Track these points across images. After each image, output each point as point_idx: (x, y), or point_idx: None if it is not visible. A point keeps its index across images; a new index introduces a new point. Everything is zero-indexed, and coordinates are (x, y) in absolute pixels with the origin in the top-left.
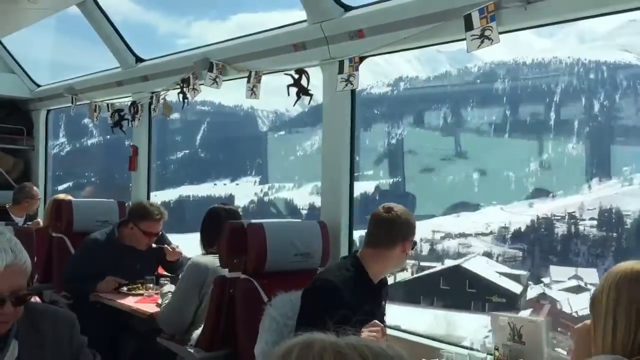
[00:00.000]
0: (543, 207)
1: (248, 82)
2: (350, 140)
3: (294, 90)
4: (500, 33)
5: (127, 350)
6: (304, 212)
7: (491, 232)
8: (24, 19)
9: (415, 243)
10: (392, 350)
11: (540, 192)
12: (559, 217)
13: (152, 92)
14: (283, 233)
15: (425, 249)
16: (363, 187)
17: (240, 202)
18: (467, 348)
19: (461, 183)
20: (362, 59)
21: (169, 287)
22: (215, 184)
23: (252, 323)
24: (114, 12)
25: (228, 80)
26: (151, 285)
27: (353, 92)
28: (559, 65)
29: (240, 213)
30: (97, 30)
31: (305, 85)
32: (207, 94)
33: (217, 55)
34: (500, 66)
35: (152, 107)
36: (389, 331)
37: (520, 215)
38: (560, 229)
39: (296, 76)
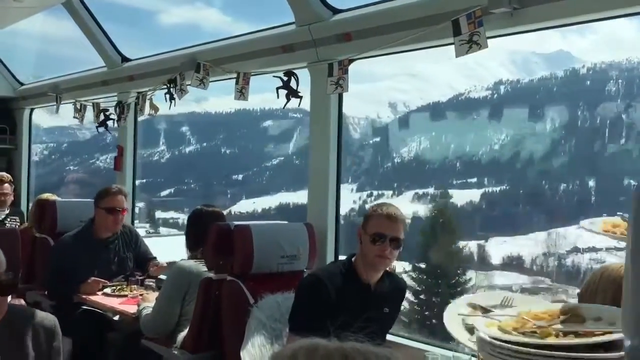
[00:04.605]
0: None
1: (237, 83)
2: (337, 142)
3: (283, 92)
4: (488, 38)
5: (112, 352)
6: (407, 221)
7: None
8: (8, 18)
9: (372, 235)
10: (396, 356)
11: None
12: None
13: (138, 92)
14: (270, 235)
15: (552, 264)
16: (468, 195)
17: (341, 210)
18: (452, 350)
19: (576, 191)
20: (351, 61)
21: (153, 295)
22: None
23: (238, 325)
24: (207, 26)
25: (215, 81)
26: (136, 286)
27: (340, 94)
28: None
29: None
30: (82, 28)
31: (295, 88)
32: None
33: (205, 56)
34: (612, 66)
35: (139, 107)
36: None
37: None
38: None
39: (285, 78)
